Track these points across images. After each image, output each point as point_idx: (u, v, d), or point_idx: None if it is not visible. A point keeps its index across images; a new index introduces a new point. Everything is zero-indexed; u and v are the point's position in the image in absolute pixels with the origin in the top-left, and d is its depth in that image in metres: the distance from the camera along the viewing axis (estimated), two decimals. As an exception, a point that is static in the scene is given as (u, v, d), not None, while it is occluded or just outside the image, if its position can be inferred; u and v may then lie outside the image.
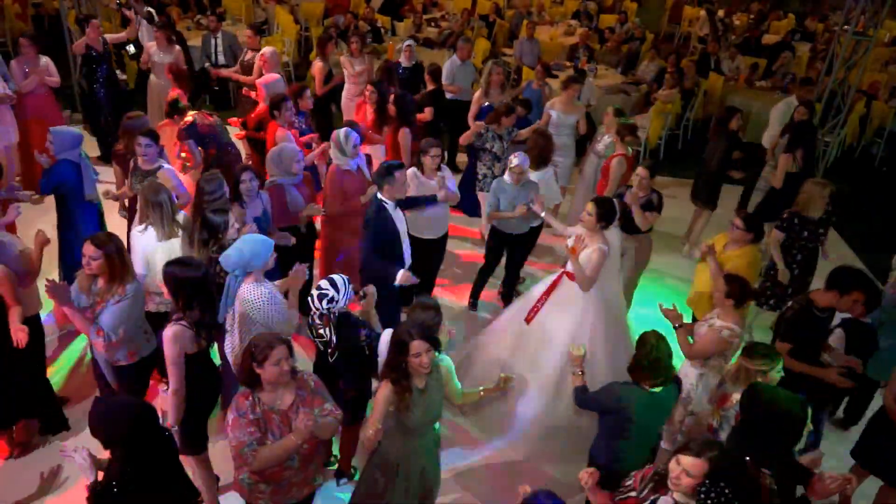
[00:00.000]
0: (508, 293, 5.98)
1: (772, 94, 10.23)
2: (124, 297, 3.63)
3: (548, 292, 4.72)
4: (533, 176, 5.58)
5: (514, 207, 5.28)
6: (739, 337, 3.93)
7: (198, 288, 3.44)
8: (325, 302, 3.52)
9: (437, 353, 3.24)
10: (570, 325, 4.55)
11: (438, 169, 5.28)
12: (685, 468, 2.65)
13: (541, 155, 5.69)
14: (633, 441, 3.40)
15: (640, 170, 5.35)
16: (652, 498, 2.83)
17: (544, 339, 4.64)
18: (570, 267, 4.61)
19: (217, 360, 4.56)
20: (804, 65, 11.82)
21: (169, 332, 3.38)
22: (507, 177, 5.35)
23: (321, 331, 3.59)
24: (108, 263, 3.59)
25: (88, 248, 3.59)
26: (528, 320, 4.72)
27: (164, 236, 4.15)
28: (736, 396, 3.32)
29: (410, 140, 6.09)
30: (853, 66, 8.41)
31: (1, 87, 6.36)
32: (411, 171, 5.32)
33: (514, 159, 5.22)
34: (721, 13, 14.41)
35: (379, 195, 4.54)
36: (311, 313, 3.60)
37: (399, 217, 4.61)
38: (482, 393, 3.62)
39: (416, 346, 3.07)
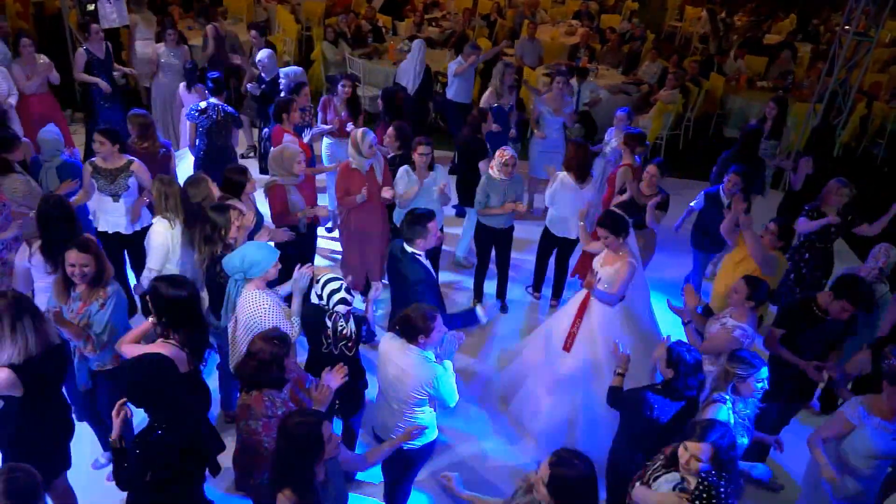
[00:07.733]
0: (501, 292, 6.03)
1: (773, 95, 10.21)
2: (109, 299, 3.52)
3: (579, 314, 4.54)
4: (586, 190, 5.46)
5: (502, 204, 5.32)
6: (752, 339, 3.93)
7: (185, 308, 3.32)
8: (343, 306, 3.59)
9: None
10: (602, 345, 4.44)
11: (431, 168, 5.29)
12: (693, 453, 2.81)
13: (580, 166, 5.47)
14: (655, 447, 3.39)
15: (650, 167, 5.36)
16: (658, 473, 2.98)
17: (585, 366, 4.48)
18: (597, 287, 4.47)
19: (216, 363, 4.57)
20: (805, 65, 11.80)
21: (165, 352, 3.21)
22: (495, 172, 5.32)
23: (343, 329, 3.58)
24: (98, 265, 3.48)
25: (75, 256, 3.38)
26: (566, 349, 4.53)
27: (180, 225, 4.33)
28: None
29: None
30: (854, 66, 8.39)
31: (6, 87, 6.37)
32: (402, 168, 5.33)
33: (507, 152, 5.24)
34: (723, 13, 14.38)
35: (409, 248, 4.18)
36: (335, 309, 3.57)
37: (429, 263, 4.29)
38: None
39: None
